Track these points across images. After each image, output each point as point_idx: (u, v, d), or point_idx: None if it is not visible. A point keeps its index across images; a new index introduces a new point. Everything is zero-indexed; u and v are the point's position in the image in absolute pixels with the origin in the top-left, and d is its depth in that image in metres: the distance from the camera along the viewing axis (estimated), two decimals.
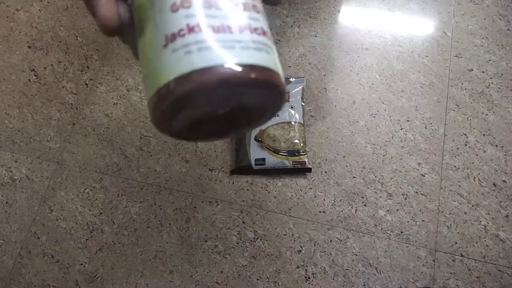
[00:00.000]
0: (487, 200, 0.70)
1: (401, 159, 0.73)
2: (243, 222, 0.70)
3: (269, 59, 0.19)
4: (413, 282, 0.65)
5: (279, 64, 0.21)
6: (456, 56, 0.81)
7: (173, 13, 0.19)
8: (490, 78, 0.79)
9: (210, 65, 0.17)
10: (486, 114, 0.76)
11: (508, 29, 0.83)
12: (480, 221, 0.68)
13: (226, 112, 0.21)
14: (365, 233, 0.69)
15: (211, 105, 0.19)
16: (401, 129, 0.76)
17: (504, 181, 0.71)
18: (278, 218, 0.70)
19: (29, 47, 0.87)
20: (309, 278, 0.66)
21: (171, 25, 0.19)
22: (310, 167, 0.72)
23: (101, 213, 0.72)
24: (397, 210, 0.70)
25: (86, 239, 0.71)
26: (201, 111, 0.20)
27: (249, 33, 0.19)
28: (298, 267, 0.67)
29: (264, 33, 0.20)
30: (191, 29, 0.18)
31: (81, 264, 0.69)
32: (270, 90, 0.20)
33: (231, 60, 0.18)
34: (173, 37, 0.18)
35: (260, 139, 0.73)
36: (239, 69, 0.18)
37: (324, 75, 0.81)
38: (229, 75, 0.17)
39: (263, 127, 0.73)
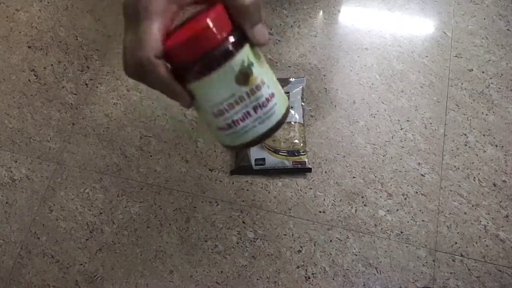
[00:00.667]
0: (487, 200, 0.70)
1: (401, 159, 0.73)
2: (243, 222, 0.70)
3: (264, 126, 0.31)
4: (413, 282, 0.65)
5: (277, 114, 0.32)
6: (456, 56, 0.81)
7: (215, 117, 0.30)
8: (490, 78, 0.79)
9: (241, 142, 0.32)
10: (486, 114, 0.76)
11: (508, 29, 0.83)
12: (480, 221, 0.68)
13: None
14: (365, 233, 0.69)
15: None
16: (401, 129, 0.76)
17: (504, 181, 0.71)
18: (278, 218, 0.70)
19: (29, 47, 0.87)
20: (309, 278, 0.66)
21: (216, 123, 0.31)
22: (310, 167, 0.72)
23: (101, 213, 0.72)
24: (397, 210, 0.70)
25: (86, 239, 0.71)
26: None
27: (253, 116, 0.30)
28: (298, 267, 0.67)
29: (261, 106, 0.30)
30: (229, 126, 0.31)
31: (81, 264, 0.69)
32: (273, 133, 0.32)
33: (245, 140, 0.32)
34: (220, 129, 0.31)
35: None
36: (258, 139, 0.32)
37: (324, 75, 0.81)
38: (253, 143, 0.32)
39: None
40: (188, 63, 0.28)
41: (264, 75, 0.30)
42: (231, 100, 0.29)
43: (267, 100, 0.30)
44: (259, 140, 0.31)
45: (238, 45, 0.28)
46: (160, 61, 0.26)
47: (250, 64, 0.29)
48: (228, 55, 0.28)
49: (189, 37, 0.26)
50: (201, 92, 0.29)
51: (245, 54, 0.28)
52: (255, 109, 0.30)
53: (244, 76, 0.29)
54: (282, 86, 0.77)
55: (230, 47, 0.27)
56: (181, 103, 0.29)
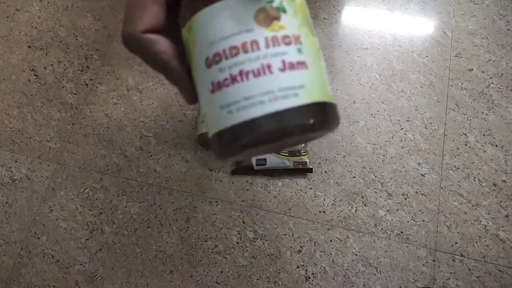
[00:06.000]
0: (487, 200, 0.70)
1: (401, 159, 0.73)
2: (243, 222, 0.70)
3: (297, 100, 0.20)
4: (413, 282, 0.65)
5: (316, 93, 0.21)
6: (456, 56, 0.81)
7: (208, 68, 0.20)
8: (490, 78, 0.79)
9: (246, 119, 0.20)
10: (486, 114, 0.76)
11: (508, 29, 0.83)
12: (480, 221, 0.68)
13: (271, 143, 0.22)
14: (365, 233, 0.69)
15: (255, 146, 0.21)
16: (401, 129, 0.76)
17: (504, 181, 0.71)
18: (278, 218, 0.70)
19: (29, 47, 0.87)
20: (309, 278, 0.66)
21: (208, 78, 0.20)
22: (311, 167, 0.72)
23: (101, 213, 0.72)
24: (397, 210, 0.70)
25: (86, 239, 0.71)
26: (249, 151, 0.23)
27: (276, 79, 0.20)
28: (298, 267, 0.67)
29: (293, 67, 0.20)
30: (225, 81, 0.20)
31: (81, 264, 0.69)
32: (295, 128, 0.20)
33: (261, 113, 0.20)
34: (211, 92, 0.21)
35: None
36: (268, 121, 0.19)
37: None
38: (260, 130, 0.20)
39: None
40: None
41: (302, 33, 0.21)
42: (237, 40, 0.19)
43: (292, 66, 0.20)
44: (261, 130, 0.19)
45: None
46: (155, 36, 0.22)
47: (281, 9, 0.20)
48: None
49: None
50: (201, 26, 0.20)
51: None
52: (269, 68, 0.19)
53: (267, 15, 0.20)
54: None
55: None
56: (182, 89, 0.23)
